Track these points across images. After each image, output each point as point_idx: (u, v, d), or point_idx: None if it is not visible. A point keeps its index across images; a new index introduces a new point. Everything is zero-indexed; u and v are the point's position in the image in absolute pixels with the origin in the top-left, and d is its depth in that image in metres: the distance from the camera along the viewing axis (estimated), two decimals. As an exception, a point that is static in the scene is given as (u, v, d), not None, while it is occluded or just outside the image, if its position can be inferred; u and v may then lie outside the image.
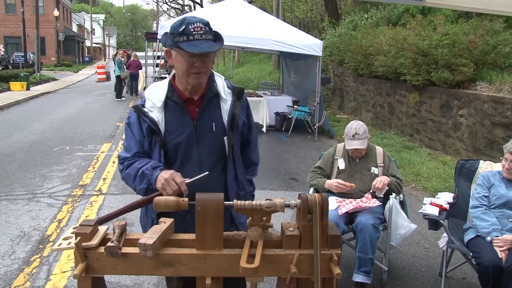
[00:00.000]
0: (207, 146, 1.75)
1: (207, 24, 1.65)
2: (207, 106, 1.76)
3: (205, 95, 1.76)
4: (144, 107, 1.75)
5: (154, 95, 1.76)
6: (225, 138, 1.76)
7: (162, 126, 1.73)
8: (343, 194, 3.23)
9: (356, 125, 3.23)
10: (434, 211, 3.05)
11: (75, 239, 1.42)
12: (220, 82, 1.81)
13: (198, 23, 1.62)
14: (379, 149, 3.36)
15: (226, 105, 1.78)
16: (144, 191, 1.67)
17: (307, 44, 8.52)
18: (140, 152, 1.75)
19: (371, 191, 3.14)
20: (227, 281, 1.48)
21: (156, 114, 1.72)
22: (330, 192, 3.22)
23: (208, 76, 1.74)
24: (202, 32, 1.61)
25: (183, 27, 1.62)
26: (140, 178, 1.66)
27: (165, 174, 1.57)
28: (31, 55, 27.10)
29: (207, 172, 1.60)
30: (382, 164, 3.28)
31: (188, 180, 1.56)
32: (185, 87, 1.74)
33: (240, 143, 1.87)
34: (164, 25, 8.38)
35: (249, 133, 1.91)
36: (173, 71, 1.80)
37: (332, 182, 3.16)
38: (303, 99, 10.22)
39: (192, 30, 1.61)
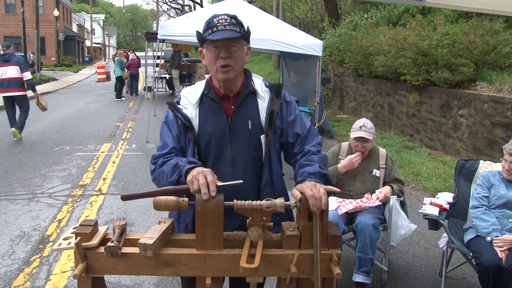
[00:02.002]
0: (242, 145, 1.69)
1: (233, 17, 1.63)
2: (242, 103, 1.71)
3: (241, 92, 1.72)
4: (179, 104, 1.74)
5: (190, 93, 1.75)
6: (262, 136, 1.69)
7: (195, 123, 1.70)
8: (343, 195, 3.23)
9: (364, 120, 3.29)
10: (434, 211, 3.05)
11: (75, 239, 1.42)
12: (258, 82, 1.77)
13: (223, 16, 1.62)
14: (382, 151, 3.36)
15: (264, 103, 1.72)
16: (174, 184, 1.58)
17: (307, 44, 8.51)
18: (176, 148, 1.70)
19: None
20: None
21: (190, 111, 1.70)
22: (330, 193, 3.21)
23: (238, 72, 1.68)
24: (226, 23, 1.59)
25: (209, 21, 1.63)
26: (173, 170, 1.58)
27: (199, 169, 1.49)
28: (31, 55, 27.09)
29: (242, 181, 1.50)
30: (384, 166, 3.28)
31: (220, 183, 1.46)
32: (218, 84, 1.71)
33: (292, 142, 1.74)
34: (164, 25, 8.38)
35: (296, 128, 1.75)
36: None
37: (346, 163, 3.17)
38: (303, 99, 10.21)
39: (216, 22, 1.60)
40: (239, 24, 1.64)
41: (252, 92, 1.73)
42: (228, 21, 1.61)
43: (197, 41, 1.73)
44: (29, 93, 8.22)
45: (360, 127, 3.21)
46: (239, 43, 1.64)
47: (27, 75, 7.86)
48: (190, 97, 1.74)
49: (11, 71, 7.74)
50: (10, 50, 7.98)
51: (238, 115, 1.70)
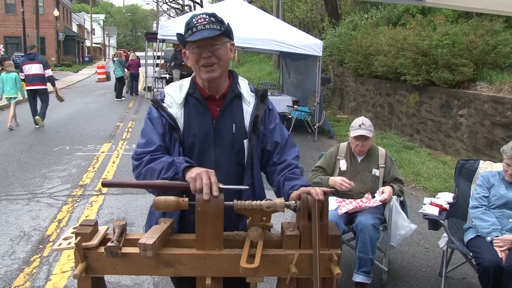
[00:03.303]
0: (225, 147, 1.67)
1: (212, 15, 1.61)
2: (228, 106, 1.69)
3: (227, 94, 1.70)
4: (164, 102, 1.70)
5: (175, 91, 1.72)
6: (245, 141, 1.68)
7: (181, 122, 1.67)
8: (343, 195, 3.23)
9: (362, 118, 3.29)
10: (434, 211, 3.05)
11: (75, 239, 1.42)
12: (244, 85, 1.75)
13: (202, 15, 1.60)
14: (381, 150, 3.36)
15: (249, 107, 1.70)
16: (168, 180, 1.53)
17: (307, 44, 8.52)
18: (162, 146, 1.65)
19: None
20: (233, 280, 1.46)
21: (175, 110, 1.67)
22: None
23: (223, 70, 1.66)
24: (205, 22, 1.57)
25: (188, 22, 1.61)
26: (168, 167, 1.52)
27: (202, 168, 1.47)
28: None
29: (247, 187, 1.50)
30: (384, 165, 3.27)
31: (223, 186, 1.44)
32: (203, 84, 1.69)
33: (270, 150, 1.74)
34: (164, 25, 8.39)
35: (276, 136, 1.75)
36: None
37: (337, 179, 3.16)
38: (303, 99, 10.22)
39: (195, 22, 1.58)
40: (219, 21, 1.62)
41: (237, 95, 1.72)
42: (207, 20, 1.58)
43: None
44: (50, 88, 9.76)
45: (359, 125, 3.21)
46: (220, 41, 1.61)
47: (49, 72, 9.47)
48: (175, 96, 1.70)
49: (35, 68, 9.17)
50: (34, 50, 9.55)
51: (223, 117, 1.68)
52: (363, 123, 3.21)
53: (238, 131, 1.68)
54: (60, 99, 9.97)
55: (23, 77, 9.29)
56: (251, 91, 1.76)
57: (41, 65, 9.24)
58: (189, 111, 1.69)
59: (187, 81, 1.75)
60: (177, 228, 1.66)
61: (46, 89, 9.49)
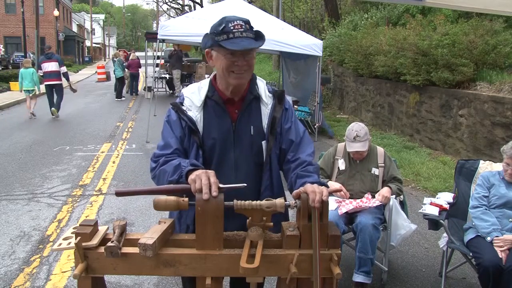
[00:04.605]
0: (244, 149, 1.70)
1: (247, 22, 1.61)
2: (247, 108, 1.71)
3: (245, 97, 1.72)
4: (183, 105, 1.71)
5: (194, 94, 1.73)
6: (263, 142, 1.70)
7: (200, 126, 1.69)
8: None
9: (357, 127, 3.22)
10: (434, 211, 3.05)
11: (75, 239, 1.42)
12: (262, 86, 1.76)
13: (238, 21, 1.59)
14: (380, 150, 3.36)
15: (266, 109, 1.72)
16: (174, 183, 1.56)
17: (307, 44, 8.51)
18: (179, 149, 1.68)
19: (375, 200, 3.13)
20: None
21: (195, 113, 1.69)
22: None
23: (250, 76, 1.68)
24: (242, 29, 1.57)
25: (223, 25, 1.58)
26: (174, 169, 1.57)
27: (202, 170, 1.50)
28: (31, 55, 27.05)
29: (245, 184, 1.51)
30: (383, 165, 3.27)
31: (222, 186, 1.45)
32: (226, 87, 1.69)
33: (284, 148, 1.76)
34: (164, 25, 8.38)
35: (291, 135, 1.76)
36: (214, 72, 1.76)
37: (334, 184, 3.16)
38: (303, 99, 10.22)
39: (232, 28, 1.57)
40: (253, 30, 1.62)
41: (256, 98, 1.73)
42: (243, 27, 1.58)
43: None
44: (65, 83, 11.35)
45: (354, 137, 3.18)
46: (255, 50, 1.63)
47: (64, 69, 11.03)
48: (194, 99, 1.71)
49: (52, 66, 10.65)
50: (51, 50, 11.19)
51: (242, 120, 1.70)
52: (358, 135, 3.17)
53: (257, 133, 1.71)
54: (73, 90, 11.86)
55: (41, 74, 10.67)
56: (269, 92, 1.76)
57: (57, 63, 10.71)
58: (208, 114, 1.71)
59: (205, 83, 1.75)
60: (192, 229, 1.69)
61: (61, 84, 10.88)
